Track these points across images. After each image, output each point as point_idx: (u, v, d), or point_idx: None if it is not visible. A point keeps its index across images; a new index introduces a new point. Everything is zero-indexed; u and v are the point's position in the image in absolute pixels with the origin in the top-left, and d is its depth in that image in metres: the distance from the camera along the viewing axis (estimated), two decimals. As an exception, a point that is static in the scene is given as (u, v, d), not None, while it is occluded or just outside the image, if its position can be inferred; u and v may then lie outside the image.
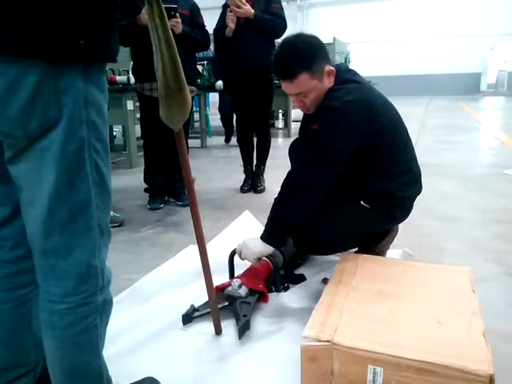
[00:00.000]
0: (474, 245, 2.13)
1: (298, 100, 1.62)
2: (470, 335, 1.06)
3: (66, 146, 0.76)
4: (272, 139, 3.36)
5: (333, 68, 1.59)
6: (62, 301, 0.83)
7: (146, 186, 2.97)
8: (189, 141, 2.72)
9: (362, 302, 1.24)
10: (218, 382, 1.20)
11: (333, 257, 1.89)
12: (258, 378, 1.22)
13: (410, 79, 17.37)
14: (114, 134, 5.83)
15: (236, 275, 1.68)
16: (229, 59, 3.05)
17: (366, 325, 1.11)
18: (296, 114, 6.47)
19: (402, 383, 0.99)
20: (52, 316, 0.84)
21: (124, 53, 3.85)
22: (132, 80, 3.40)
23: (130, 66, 3.26)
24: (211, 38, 3.00)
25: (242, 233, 2.13)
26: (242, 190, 3.30)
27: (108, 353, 1.02)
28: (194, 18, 2.73)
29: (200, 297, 1.54)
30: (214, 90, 5.36)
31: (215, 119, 7.15)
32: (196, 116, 6.29)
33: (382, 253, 1.77)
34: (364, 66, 13.17)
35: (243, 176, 3.40)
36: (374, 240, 1.76)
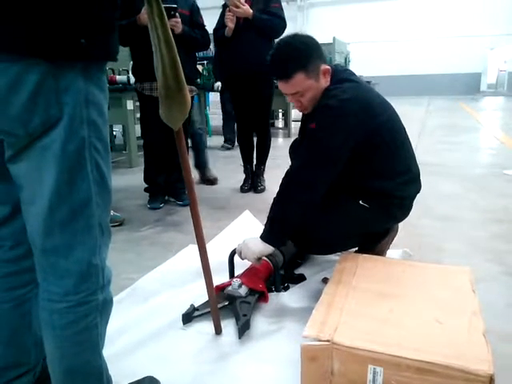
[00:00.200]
0: (474, 245, 2.13)
1: (294, 100, 1.62)
2: (470, 335, 1.06)
3: (67, 144, 0.76)
4: (272, 139, 3.36)
5: (328, 67, 1.60)
6: (62, 300, 0.83)
7: (146, 185, 2.97)
8: (189, 140, 2.73)
9: (362, 301, 1.24)
10: (217, 382, 1.21)
11: (333, 256, 1.89)
12: (258, 377, 1.22)
13: (410, 79, 17.37)
14: (114, 133, 5.83)
15: (236, 275, 1.68)
16: (228, 59, 3.05)
17: (366, 324, 1.11)
18: (296, 113, 6.46)
19: (402, 383, 0.99)
20: (52, 315, 0.84)
21: (124, 52, 3.85)
22: (132, 80, 3.41)
23: (130, 66, 3.26)
24: (211, 37, 3.00)
25: (242, 232, 2.13)
26: (242, 189, 3.30)
27: (108, 352, 1.02)
28: (193, 17, 2.73)
29: (200, 296, 1.53)
30: (214, 89, 5.34)
31: (215, 119, 7.14)
32: (196, 116, 6.27)
33: (381, 252, 1.77)
34: (364, 65, 13.21)
35: (243, 176, 3.40)
36: (373, 240, 1.76)
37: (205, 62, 5.80)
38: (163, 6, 0.89)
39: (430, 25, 17.03)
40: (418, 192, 1.73)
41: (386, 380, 1.00)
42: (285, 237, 1.62)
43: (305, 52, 1.55)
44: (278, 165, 3.52)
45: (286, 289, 1.68)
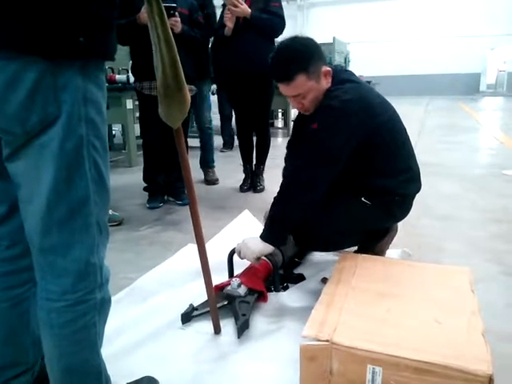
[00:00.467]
0: (474, 245, 2.12)
1: (296, 102, 1.63)
2: (470, 335, 1.06)
3: (65, 143, 0.76)
4: (271, 139, 3.35)
5: (329, 69, 1.61)
6: (60, 298, 0.82)
7: (146, 184, 2.96)
8: (188, 140, 2.72)
9: (362, 301, 1.24)
10: (216, 382, 1.20)
11: (332, 256, 1.89)
12: (257, 377, 1.21)
13: (409, 79, 17.38)
14: (114, 132, 5.82)
15: (235, 274, 1.68)
16: (229, 59, 3.04)
17: (365, 324, 1.11)
18: (295, 113, 6.44)
19: (400, 383, 0.99)
20: (50, 314, 0.83)
21: (123, 51, 3.84)
22: (131, 79, 3.40)
23: (130, 65, 3.26)
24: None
25: (242, 232, 2.13)
26: (242, 189, 3.30)
27: (107, 352, 1.02)
28: (192, 16, 2.73)
29: (199, 296, 1.53)
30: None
31: (215, 119, 7.14)
32: (195, 116, 6.26)
33: (381, 252, 1.77)
34: (364, 65, 13.24)
35: (243, 175, 3.40)
36: (373, 239, 1.76)
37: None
38: (163, 5, 0.89)
39: (429, 25, 17.04)
40: (419, 191, 1.74)
41: (385, 380, 1.00)
42: (285, 236, 1.62)
43: (305, 54, 1.55)
44: (277, 164, 3.50)
45: (286, 288, 1.68)
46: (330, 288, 1.32)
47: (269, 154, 3.35)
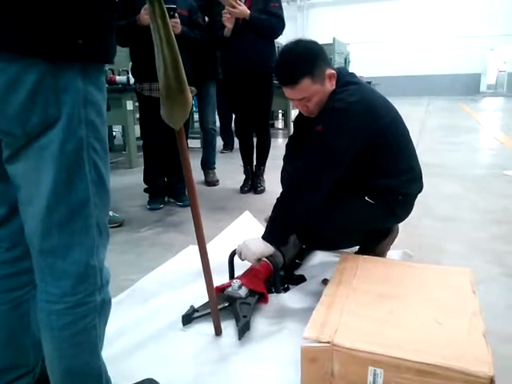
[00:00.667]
0: (474, 246, 2.12)
1: (301, 105, 1.63)
2: (471, 336, 1.05)
3: (65, 145, 0.76)
4: (272, 139, 3.35)
5: (334, 71, 1.61)
6: (59, 301, 0.82)
7: (146, 186, 2.96)
8: (189, 141, 2.72)
9: (362, 302, 1.23)
10: (217, 383, 1.20)
11: (333, 257, 1.89)
12: (258, 378, 1.21)
13: (410, 80, 17.39)
14: (114, 134, 5.82)
15: (236, 276, 1.67)
16: (229, 59, 3.05)
17: (367, 326, 1.11)
18: (296, 114, 6.46)
19: (402, 384, 0.99)
20: (50, 316, 0.83)
21: (123, 53, 3.85)
22: (132, 80, 3.40)
23: (130, 67, 3.26)
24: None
25: (242, 233, 2.13)
26: (242, 190, 3.30)
27: (107, 354, 1.02)
28: (192, 18, 2.73)
29: (200, 297, 1.53)
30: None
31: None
32: (196, 116, 6.27)
33: (382, 254, 1.77)
34: (364, 66, 13.25)
35: (243, 176, 3.40)
36: (374, 240, 1.76)
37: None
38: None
39: (430, 25, 17.05)
40: (421, 191, 1.74)
41: (387, 382, 1.00)
42: (287, 237, 1.62)
43: (310, 57, 1.55)
44: (278, 165, 3.48)
45: (286, 290, 1.68)
46: (331, 289, 1.32)
47: (269, 155, 3.34)
